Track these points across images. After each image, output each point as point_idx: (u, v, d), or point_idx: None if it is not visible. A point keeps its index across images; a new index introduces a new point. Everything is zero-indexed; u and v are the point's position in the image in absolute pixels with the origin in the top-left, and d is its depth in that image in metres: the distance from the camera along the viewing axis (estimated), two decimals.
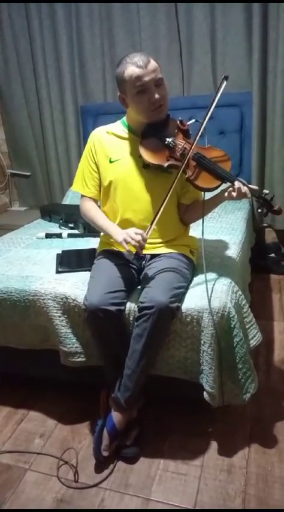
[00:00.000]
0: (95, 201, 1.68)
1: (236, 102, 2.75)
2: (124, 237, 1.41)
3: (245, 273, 1.98)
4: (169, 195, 1.43)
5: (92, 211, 1.64)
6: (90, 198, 1.66)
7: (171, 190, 1.43)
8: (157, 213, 1.44)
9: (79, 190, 1.67)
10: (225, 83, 1.46)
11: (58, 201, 3.33)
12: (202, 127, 1.47)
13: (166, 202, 1.43)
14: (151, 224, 1.44)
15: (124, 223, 1.59)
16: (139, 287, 1.55)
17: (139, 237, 1.38)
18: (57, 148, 3.29)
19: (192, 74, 2.84)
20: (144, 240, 1.40)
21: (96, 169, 1.63)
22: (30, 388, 1.85)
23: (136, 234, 1.39)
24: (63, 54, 3.01)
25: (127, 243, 1.40)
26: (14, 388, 1.86)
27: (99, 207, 1.68)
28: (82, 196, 1.68)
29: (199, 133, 1.48)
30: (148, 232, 1.43)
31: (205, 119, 1.47)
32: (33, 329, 1.65)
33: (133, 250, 1.40)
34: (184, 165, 1.44)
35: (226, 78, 1.46)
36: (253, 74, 2.64)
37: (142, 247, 1.39)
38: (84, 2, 2.86)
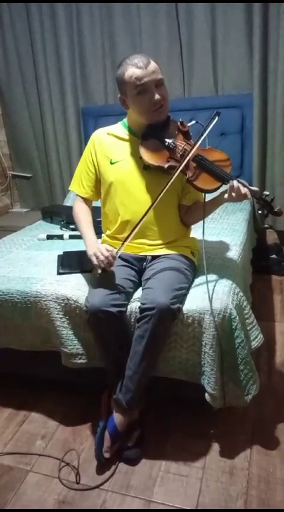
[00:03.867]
0: (90, 201, 1.70)
1: (237, 104, 2.75)
2: (94, 252, 1.45)
3: (246, 274, 1.98)
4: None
5: (80, 214, 1.67)
6: (84, 198, 1.68)
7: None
8: (137, 225, 1.45)
9: (75, 190, 1.70)
10: (217, 119, 1.47)
11: (59, 202, 3.33)
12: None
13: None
14: (125, 241, 1.47)
15: (125, 225, 1.60)
16: (140, 288, 1.55)
17: (107, 254, 1.42)
18: (58, 149, 3.30)
19: (192, 75, 2.85)
20: (113, 257, 1.43)
21: (93, 171, 1.64)
22: (31, 389, 1.85)
23: (107, 250, 1.42)
24: (64, 55, 3.02)
25: (97, 257, 1.43)
26: (15, 390, 1.86)
27: (95, 207, 1.70)
28: (77, 195, 1.69)
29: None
30: (118, 250, 1.46)
31: (197, 143, 1.47)
32: (34, 330, 1.65)
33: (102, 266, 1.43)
34: (183, 166, 1.44)
35: (218, 114, 1.47)
36: (254, 75, 2.64)
37: (110, 264, 1.43)
38: (84, 2, 2.86)
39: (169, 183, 1.44)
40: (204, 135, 1.47)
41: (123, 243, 1.48)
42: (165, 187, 1.44)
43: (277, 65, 2.54)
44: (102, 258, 1.42)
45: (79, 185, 1.68)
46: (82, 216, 1.66)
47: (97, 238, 1.60)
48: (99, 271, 1.44)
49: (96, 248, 1.46)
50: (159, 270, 1.49)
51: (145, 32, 2.80)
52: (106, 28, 2.90)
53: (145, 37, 2.82)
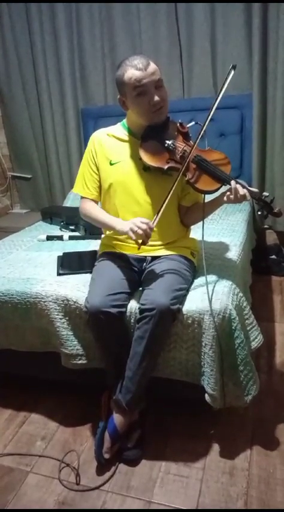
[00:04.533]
0: (95, 202, 1.69)
1: (237, 104, 2.76)
2: (130, 227, 1.40)
3: (246, 274, 1.98)
4: (169, 197, 1.43)
5: (93, 209, 1.63)
6: (89, 199, 1.67)
7: (171, 192, 1.44)
8: (162, 206, 1.43)
9: (80, 192, 1.68)
10: (233, 72, 1.43)
11: (59, 203, 3.34)
12: (206, 124, 1.46)
13: (166, 203, 1.44)
14: (158, 214, 1.43)
15: None
16: (140, 289, 1.55)
17: (145, 226, 1.38)
18: (58, 150, 3.30)
19: (192, 76, 2.85)
20: (151, 228, 1.39)
21: (96, 171, 1.63)
22: (31, 390, 1.85)
23: (142, 222, 1.39)
24: (64, 56, 3.03)
25: (134, 232, 1.39)
26: (15, 391, 1.86)
27: None
28: (82, 197, 1.68)
29: (202, 132, 1.47)
30: (154, 221, 1.43)
31: (210, 112, 1.45)
32: (34, 331, 1.65)
33: (140, 240, 1.40)
34: (184, 168, 1.44)
35: (234, 67, 1.43)
36: (253, 75, 2.65)
37: (148, 236, 1.39)
38: (84, 2, 2.87)
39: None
40: (220, 96, 1.44)
41: (156, 216, 1.44)
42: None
43: (277, 65, 2.54)
44: (140, 232, 1.38)
45: (83, 187, 1.66)
46: (96, 209, 1.63)
47: (98, 238, 1.59)
48: (139, 246, 1.40)
49: (131, 223, 1.41)
50: (159, 271, 1.49)
51: (145, 33, 2.81)
52: (106, 29, 2.90)
53: (145, 38, 2.82)
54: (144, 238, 1.39)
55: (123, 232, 1.46)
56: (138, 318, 1.41)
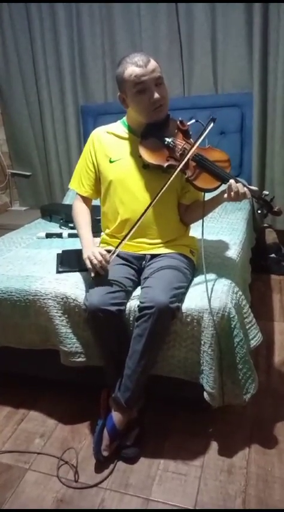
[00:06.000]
0: (89, 200, 1.70)
1: (237, 103, 2.75)
2: (88, 255, 1.46)
3: (245, 273, 1.98)
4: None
5: (79, 215, 1.67)
6: (84, 197, 1.68)
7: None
8: (135, 225, 1.46)
9: (75, 188, 1.70)
10: (212, 124, 1.47)
11: (58, 200, 3.33)
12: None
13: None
14: (118, 247, 1.48)
15: (124, 223, 1.60)
16: (139, 287, 1.55)
17: (100, 258, 1.43)
18: (58, 148, 3.30)
19: (192, 74, 2.85)
20: (106, 261, 1.44)
21: (92, 169, 1.64)
22: (30, 388, 1.85)
23: (100, 255, 1.44)
24: (64, 54, 3.02)
25: (90, 260, 1.44)
26: (14, 388, 1.86)
27: (94, 206, 1.70)
28: (77, 194, 1.69)
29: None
30: (112, 255, 1.47)
31: (195, 144, 1.47)
32: (33, 329, 1.65)
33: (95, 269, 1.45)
34: (182, 165, 1.44)
35: (213, 120, 1.47)
36: (254, 74, 2.64)
37: (104, 268, 1.44)
38: (84, 2, 2.86)
39: (168, 183, 1.44)
40: (200, 139, 1.47)
41: (119, 244, 1.48)
42: (163, 186, 1.44)
43: (277, 64, 2.53)
44: (95, 261, 1.43)
45: (79, 184, 1.68)
46: (81, 217, 1.66)
47: (97, 236, 1.59)
48: (92, 274, 1.45)
49: (90, 252, 1.47)
50: (158, 269, 1.50)
51: (145, 32, 2.80)
52: (106, 27, 2.89)
53: (145, 36, 2.81)
54: (99, 269, 1.43)
55: (83, 257, 1.51)
56: (137, 316, 1.41)
